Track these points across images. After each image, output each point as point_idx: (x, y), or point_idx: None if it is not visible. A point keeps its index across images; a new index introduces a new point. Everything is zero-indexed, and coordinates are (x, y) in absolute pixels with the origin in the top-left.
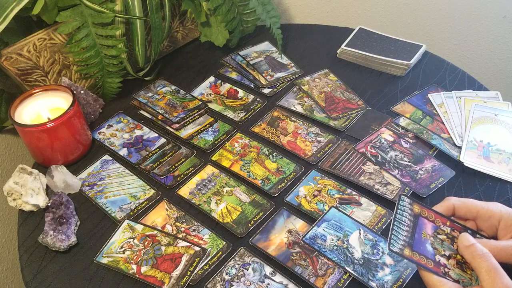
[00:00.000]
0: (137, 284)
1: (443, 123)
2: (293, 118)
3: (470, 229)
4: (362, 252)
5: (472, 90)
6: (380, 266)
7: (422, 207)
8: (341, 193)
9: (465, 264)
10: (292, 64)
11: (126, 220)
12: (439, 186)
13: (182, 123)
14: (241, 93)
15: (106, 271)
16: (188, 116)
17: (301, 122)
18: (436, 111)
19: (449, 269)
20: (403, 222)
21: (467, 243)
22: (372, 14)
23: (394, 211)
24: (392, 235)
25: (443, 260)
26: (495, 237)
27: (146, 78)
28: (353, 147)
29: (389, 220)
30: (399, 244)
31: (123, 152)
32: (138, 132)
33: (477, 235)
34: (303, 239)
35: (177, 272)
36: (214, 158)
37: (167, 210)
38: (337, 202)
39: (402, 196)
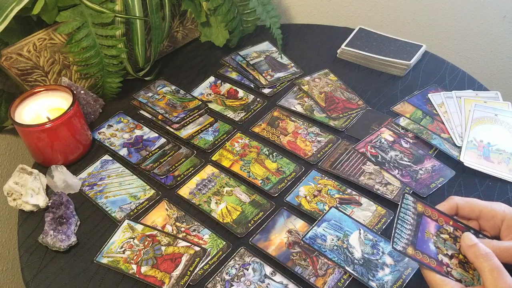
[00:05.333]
0: (137, 284)
1: (443, 123)
2: (293, 118)
3: (473, 228)
4: (362, 252)
5: (472, 90)
6: (380, 266)
7: (426, 206)
8: (341, 193)
9: (467, 264)
10: (292, 64)
11: (126, 220)
12: (439, 186)
13: (182, 123)
14: (241, 93)
15: (106, 271)
16: (188, 116)
17: (301, 122)
18: (436, 111)
19: (452, 268)
20: (406, 221)
21: (470, 243)
22: (372, 14)
23: (398, 209)
24: (396, 234)
25: (445, 260)
26: (497, 237)
27: (146, 78)
28: (353, 147)
29: (389, 220)
30: (402, 242)
31: (123, 152)
32: (138, 132)
33: (480, 235)
34: (303, 239)
35: (177, 272)
36: (214, 158)
37: (167, 210)
38: (337, 202)
39: (405, 194)
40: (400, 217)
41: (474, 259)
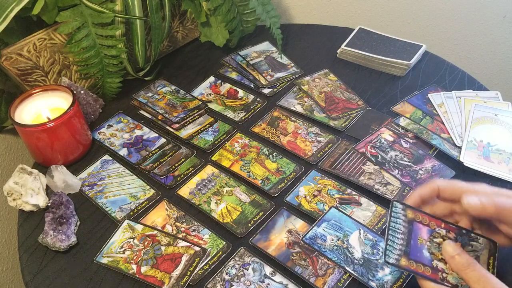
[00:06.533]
0: (137, 284)
1: (443, 123)
2: (293, 118)
3: (465, 228)
4: (362, 252)
5: (472, 90)
6: (380, 266)
7: (415, 212)
8: (341, 193)
9: None
10: (292, 64)
11: (126, 220)
12: None
13: (182, 123)
14: (241, 93)
15: (106, 271)
16: (188, 116)
17: (301, 122)
18: (436, 111)
19: (447, 273)
20: (397, 230)
21: (451, 254)
22: (372, 14)
23: (388, 219)
24: (388, 246)
25: (440, 265)
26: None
27: (146, 78)
28: (353, 147)
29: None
30: (395, 254)
31: (123, 152)
32: (138, 132)
33: (472, 234)
34: (303, 239)
35: (177, 272)
36: (214, 158)
37: (167, 210)
38: (337, 202)
39: (394, 202)
40: (391, 227)
41: (458, 271)
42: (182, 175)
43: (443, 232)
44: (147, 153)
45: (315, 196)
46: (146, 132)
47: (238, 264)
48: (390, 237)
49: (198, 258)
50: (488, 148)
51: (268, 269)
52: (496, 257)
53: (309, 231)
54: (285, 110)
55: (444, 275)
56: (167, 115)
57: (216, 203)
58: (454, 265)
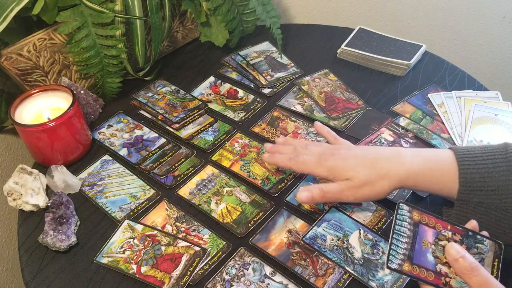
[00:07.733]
0: (137, 284)
1: (443, 123)
2: (293, 118)
3: (471, 231)
4: (362, 252)
5: (472, 90)
6: (380, 266)
7: (422, 213)
8: None
9: None
10: (292, 64)
11: (126, 220)
12: None
13: (182, 123)
14: (241, 93)
15: (106, 271)
16: (188, 116)
17: (301, 122)
18: (436, 111)
19: (450, 277)
20: (402, 233)
21: (455, 256)
22: (372, 14)
23: (393, 222)
24: (391, 250)
25: (444, 269)
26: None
27: (146, 78)
28: None
29: (389, 220)
30: (398, 259)
31: (123, 152)
32: (138, 132)
33: (478, 236)
34: (303, 239)
35: (177, 272)
36: (214, 158)
37: (167, 210)
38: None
39: (400, 204)
40: (395, 230)
41: (461, 274)
42: (182, 175)
43: (449, 235)
44: (147, 153)
45: None
46: (146, 132)
47: (238, 264)
48: (394, 241)
49: (198, 258)
50: None
51: (268, 269)
52: (501, 259)
53: (309, 231)
54: (285, 110)
55: (447, 279)
56: (167, 115)
57: (216, 203)
58: (457, 268)
